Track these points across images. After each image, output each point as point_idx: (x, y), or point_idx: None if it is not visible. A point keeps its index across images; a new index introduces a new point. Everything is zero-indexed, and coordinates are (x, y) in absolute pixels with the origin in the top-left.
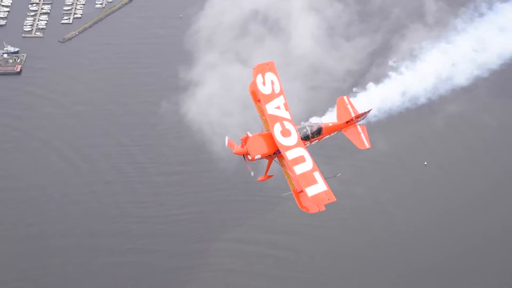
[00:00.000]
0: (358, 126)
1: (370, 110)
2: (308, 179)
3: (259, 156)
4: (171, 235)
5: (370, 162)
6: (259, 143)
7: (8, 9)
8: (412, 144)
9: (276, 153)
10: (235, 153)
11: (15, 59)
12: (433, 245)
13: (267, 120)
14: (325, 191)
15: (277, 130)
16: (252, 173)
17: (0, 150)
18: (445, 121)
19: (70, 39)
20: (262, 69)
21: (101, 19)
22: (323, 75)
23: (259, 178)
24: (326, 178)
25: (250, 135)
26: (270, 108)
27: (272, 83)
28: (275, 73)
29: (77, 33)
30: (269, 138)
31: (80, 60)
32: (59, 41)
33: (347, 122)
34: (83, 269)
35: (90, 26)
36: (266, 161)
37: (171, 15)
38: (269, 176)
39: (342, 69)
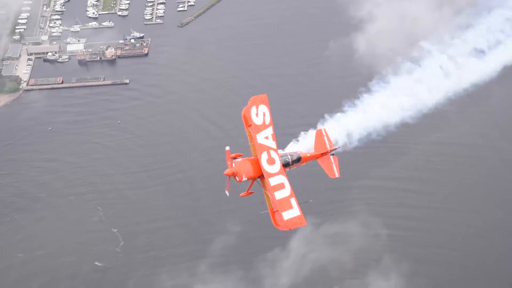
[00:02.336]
0: (331, 157)
1: (338, 147)
2: (284, 204)
3: (246, 179)
4: None
5: None
6: (247, 167)
7: (128, 1)
8: None
9: (260, 176)
10: (225, 174)
11: (141, 43)
12: None
13: (256, 148)
14: (298, 216)
15: (263, 158)
16: (227, 193)
17: (142, 119)
18: None
19: (187, 23)
20: (256, 101)
21: (212, 5)
22: None
23: (242, 194)
24: (300, 203)
25: (235, 161)
26: (260, 137)
27: (264, 115)
28: (267, 106)
29: (193, 18)
30: (256, 163)
31: (199, 41)
32: (177, 26)
33: (322, 154)
34: None
35: (204, 12)
36: (250, 180)
37: None
38: (251, 193)
39: None
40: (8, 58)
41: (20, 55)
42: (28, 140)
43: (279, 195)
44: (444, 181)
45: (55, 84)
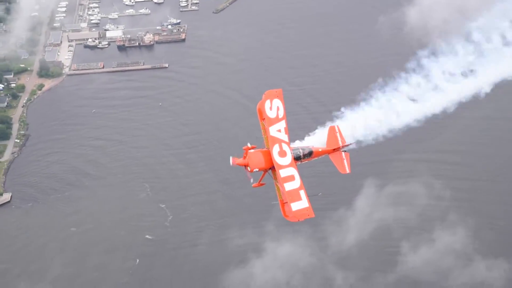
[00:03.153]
0: (343, 153)
1: (352, 143)
2: (294, 195)
3: (257, 169)
4: None
5: None
6: (259, 159)
7: None
8: None
9: (271, 168)
10: (237, 164)
11: (178, 29)
12: None
13: (268, 140)
14: (306, 208)
15: (275, 150)
16: (251, 180)
17: (183, 100)
18: None
19: (222, 9)
20: (271, 95)
21: None
22: None
23: (254, 185)
24: (309, 196)
25: (249, 145)
26: (273, 130)
27: (278, 108)
28: (281, 100)
29: (227, 4)
30: (267, 155)
31: (234, 26)
32: (212, 12)
33: (334, 149)
34: None
35: None
36: (262, 172)
37: None
38: (262, 184)
39: None
40: (50, 45)
41: (61, 42)
42: (73, 121)
43: (288, 186)
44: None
45: (96, 68)
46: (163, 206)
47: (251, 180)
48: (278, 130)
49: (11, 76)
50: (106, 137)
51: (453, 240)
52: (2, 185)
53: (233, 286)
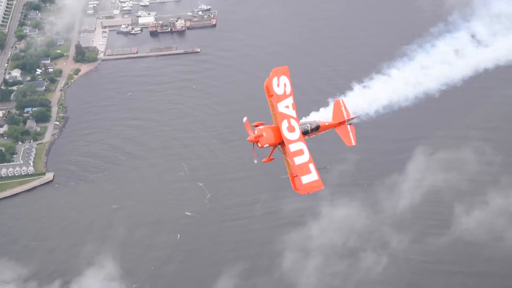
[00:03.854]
0: (348, 126)
1: (357, 116)
2: (304, 169)
3: (267, 145)
4: None
5: None
6: (268, 135)
7: None
8: None
9: (280, 143)
10: (249, 141)
11: (208, 15)
12: None
13: (277, 116)
14: (316, 180)
15: (284, 126)
16: (255, 160)
17: (216, 82)
18: None
19: None
20: (278, 72)
21: None
22: None
23: (264, 160)
24: (318, 169)
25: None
26: (281, 106)
27: (285, 85)
28: (288, 77)
29: None
30: (277, 130)
31: (264, 11)
32: None
33: (339, 123)
34: None
35: None
36: (271, 147)
37: None
38: (272, 159)
39: None
40: (84, 31)
41: (95, 28)
42: (109, 104)
43: (298, 160)
44: None
45: (130, 53)
46: (201, 184)
47: (255, 161)
48: (286, 106)
49: (48, 61)
50: (143, 118)
51: (506, 203)
52: (44, 165)
53: (290, 249)
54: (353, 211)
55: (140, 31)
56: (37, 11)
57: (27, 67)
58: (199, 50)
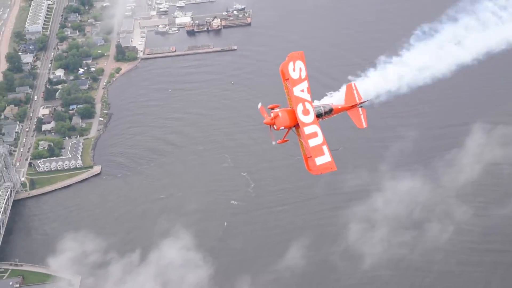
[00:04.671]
0: (360, 109)
1: (367, 101)
2: (317, 151)
3: (283, 127)
4: None
5: None
6: (284, 117)
7: None
8: None
9: (295, 126)
10: (265, 123)
11: (243, 14)
12: None
13: (292, 99)
14: (329, 162)
15: (299, 109)
16: (273, 142)
17: (254, 77)
18: None
19: None
20: (294, 57)
21: None
22: None
23: (279, 141)
24: (331, 151)
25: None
26: (296, 90)
27: (300, 70)
28: (303, 62)
29: None
30: (292, 113)
31: (297, 9)
32: None
33: (351, 106)
34: None
35: None
36: (286, 129)
37: None
38: (286, 140)
39: None
40: (123, 32)
41: (133, 29)
42: (151, 99)
43: (312, 142)
44: None
45: (168, 52)
46: (244, 174)
47: (274, 143)
48: (301, 90)
49: (90, 61)
50: (184, 112)
51: None
52: (92, 158)
53: (355, 221)
54: (415, 184)
55: (177, 31)
56: (77, 14)
57: (70, 67)
58: (235, 48)
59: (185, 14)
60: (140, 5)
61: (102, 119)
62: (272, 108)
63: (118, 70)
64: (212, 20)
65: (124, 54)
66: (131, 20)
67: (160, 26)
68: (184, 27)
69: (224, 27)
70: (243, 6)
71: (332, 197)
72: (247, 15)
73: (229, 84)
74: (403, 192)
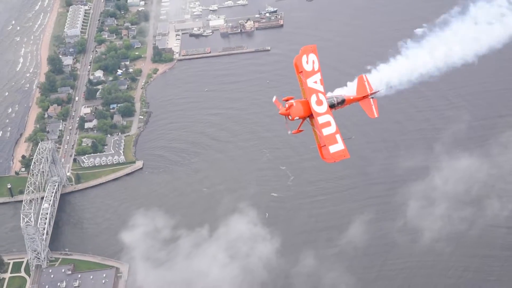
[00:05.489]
0: (371, 100)
1: (379, 90)
2: (331, 139)
3: (297, 117)
4: None
5: None
6: (298, 108)
7: None
8: None
9: (309, 116)
10: (280, 114)
11: (275, 16)
12: None
13: (306, 91)
14: (342, 150)
15: (313, 100)
16: (289, 132)
17: (289, 77)
18: None
19: None
20: (307, 50)
21: None
22: None
23: (293, 131)
24: (344, 139)
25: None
26: (310, 82)
27: (313, 62)
28: (316, 54)
29: None
30: (306, 104)
31: (329, 7)
32: (306, 0)
33: (363, 97)
34: None
35: None
36: (300, 120)
37: None
38: (301, 131)
39: None
40: (159, 35)
41: (168, 32)
42: (188, 98)
43: (326, 131)
44: None
45: (204, 53)
46: (283, 168)
47: (289, 132)
48: (314, 82)
49: (128, 62)
50: (222, 109)
51: None
52: (134, 154)
53: (414, 199)
54: (473, 163)
55: (211, 33)
56: (114, 18)
57: (108, 68)
58: (269, 48)
59: (218, 17)
60: (174, 9)
61: (142, 117)
62: (287, 100)
63: (155, 70)
64: (246, 22)
65: (160, 55)
66: (166, 24)
67: (195, 29)
68: (218, 29)
69: (257, 29)
70: (275, 9)
71: (388, 178)
72: (279, 17)
73: (264, 83)
74: (460, 170)
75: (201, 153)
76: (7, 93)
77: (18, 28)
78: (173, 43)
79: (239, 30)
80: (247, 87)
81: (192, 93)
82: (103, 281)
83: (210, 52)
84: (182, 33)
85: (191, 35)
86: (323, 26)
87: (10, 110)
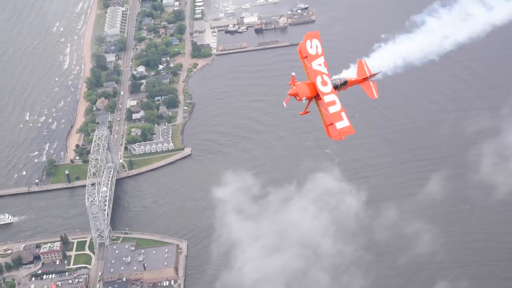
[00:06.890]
0: (371, 82)
1: (379, 72)
2: (337, 116)
3: (305, 98)
4: None
5: None
6: (305, 89)
7: None
8: None
9: (315, 97)
10: (289, 94)
11: (307, 12)
12: None
13: (311, 73)
14: (348, 126)
15: (318, 81)
16: (285, 105)
17: (331, 67)
18: None
19: None
20: (310, 36)
21: None
22: None
23: (300, 113)
24: (349, 117)
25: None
26: (314, 64)
27: (317, 47)
28: (319, 39)
29: None
30: (312, 86)
31: (359, 5)
32: None
33: (363, 79)
34: None
35: None
36: (307, 101)
37: None
38: (307, 112)
39: None
40: (196, 32)
41: (204, 29)
42: (228, 90)
43: (332, 109)
44: None
45: (240, 48)
46: (327, 151)
47: (285, 104)
48: (319, 64)
49: (168, 58)
50: (262, 100)
51: None
52: (181, 142)
53: (486, 156)
54: None
55: (245, 30)
56: (151, 18)
57: (150, 64)
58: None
59: (252, 15)
60: (209, 7)
61: (186, 107)
62: (293, 83)
63: (195, 65)
64: (279, 19)
65: (199, 51)
66: (202, 22)
67: (230, 26)
68: (252, 26)
69: (290, 24)
70: (306, 5)
71: (459, 140)
72: (311, 13)
73: (301, 74)
74: None
75: (247, 141)
76: (57, 89)
77: (62, 29)
78: (210, 40)
79: (272, 26)
80: (286, 78)
81: (231, 86)
82: (166, 255)
83: (246, 47)
84: (218, 30)
85: (227, 31)
86: (356, 16)
87: (62, 103)
